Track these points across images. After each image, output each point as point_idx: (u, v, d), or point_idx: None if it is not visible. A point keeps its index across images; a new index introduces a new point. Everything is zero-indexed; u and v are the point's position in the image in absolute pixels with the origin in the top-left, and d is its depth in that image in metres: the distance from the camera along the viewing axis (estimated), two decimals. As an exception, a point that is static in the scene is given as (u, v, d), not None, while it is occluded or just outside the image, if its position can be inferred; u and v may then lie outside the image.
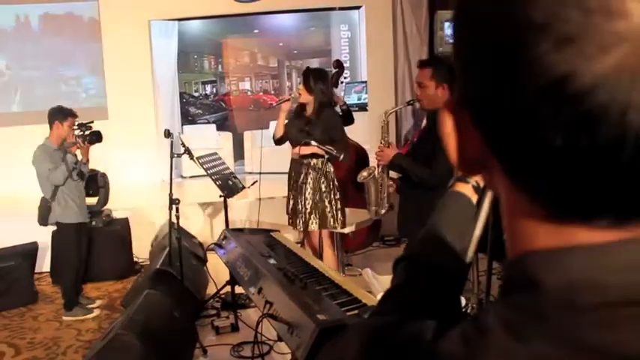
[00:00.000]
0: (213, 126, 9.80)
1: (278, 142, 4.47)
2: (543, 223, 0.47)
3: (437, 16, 1.08)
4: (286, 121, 4.42)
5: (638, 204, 0.43)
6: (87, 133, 4.67)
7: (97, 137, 4.68)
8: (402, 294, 0.82)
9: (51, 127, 4.67)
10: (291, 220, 4.48)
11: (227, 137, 9.21)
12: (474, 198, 0.93)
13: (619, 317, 0.42)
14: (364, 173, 3.73)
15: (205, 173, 4.60)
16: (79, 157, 4.71)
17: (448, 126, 0.52)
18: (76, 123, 4.68)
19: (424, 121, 3.60)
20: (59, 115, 4.64)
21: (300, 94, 4.29)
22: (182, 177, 8.45)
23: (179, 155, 4.46)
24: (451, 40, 1.06)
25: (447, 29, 0.94)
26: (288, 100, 4.34)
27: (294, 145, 4.30)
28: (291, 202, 4.45)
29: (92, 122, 4.76)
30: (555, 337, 0.43)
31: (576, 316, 0.43)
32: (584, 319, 0.43)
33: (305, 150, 4.17)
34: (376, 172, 3.65)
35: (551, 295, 0.44)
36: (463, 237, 0.90)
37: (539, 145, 0.42)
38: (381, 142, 3.61)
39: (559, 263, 0.45)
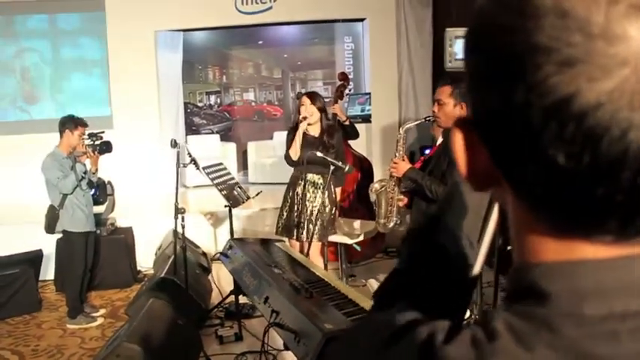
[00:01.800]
0: (217, 136, 9.84)
1: (294, 163, 4.49)
2: (549, 237, 0.49)
3: (447, 33, 1.11)
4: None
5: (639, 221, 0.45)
6: (97, 142, 4.69)
7: (107, 147, 4.71)
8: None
9: (61, 136, 4.71)
10: (285, 233, 4.55)
11: (231, 148, 9.24)
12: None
13: (623, 329, 0.45)
14: (376, 185, 3.75)
15: (209, 183, 4.64)
16: (88, 167, 4.74)
17: (459, 143, 0.54)
18: (87, 132, 4.71)
19: (439, 139, 3.61)
20: (70, 123, 4.68)
21: (312, 113, 4.39)
22: (185, 187, 8.47)
23: (185, 165, 4.49)
24: (460, 57, 1.09)
25: (457, 45, 0.96)
26: (306, 119, 4.37)
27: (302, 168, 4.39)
28: (284, 215, 4.54)
29: (103, 132, 4.79)
30: (562, 346, 0.45)
31: (583, 326, 0.46)
32: (591, 329, 0.45)
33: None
34: (389, 186, 3.67)
35: (559, 306, 0.47)
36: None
37: (543, 163, 0.45)
38: (395, 155, 3.62)
39: (566, 276, 0.48)
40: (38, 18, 8.62)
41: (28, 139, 7.88)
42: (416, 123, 4.04)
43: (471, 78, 0.51)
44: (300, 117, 4.40)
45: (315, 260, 4.19)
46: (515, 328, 0.47)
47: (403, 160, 3.57)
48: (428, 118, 3.72)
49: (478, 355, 0.46)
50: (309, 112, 4.38)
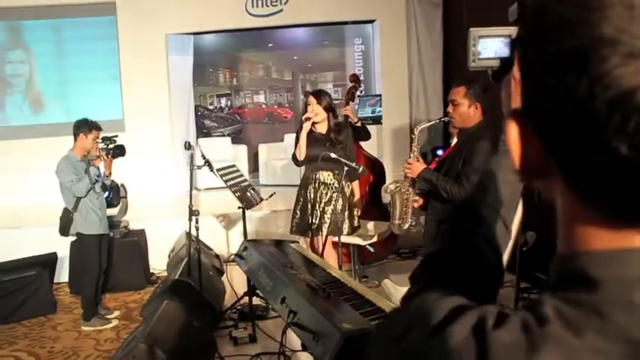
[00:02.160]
0: (228, 139, 9.87)
1: (300, 163, 4.51)
2: (600, 227, 0.50)
3: (470, 32, 1.11)
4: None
5: None
6: (110, 146, 4.73)
7: (120, 151, 4.75)
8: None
9: (75, 139, 4.74)
10: (299, 232, 4.58)
11: (242, 150, 9.27)
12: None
13: None
14: (391, 186, 3.74)
15: (220, 185, 4.66)
16: (102, 170, 4.77)
17: (513, 134, 0.54)
18: (101, 136, 4.75)
19: (454, 139, 3.61)
20: (84, 127, 4.71)
21: (317, 113, 4.39)
22: (197, 189, 8.49)
23: (199, 167, 4.51)
24: (484, 56, 1.09)
25: (481, 45, 0.96)
26: (309, 119, 4.37)
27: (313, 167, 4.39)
28: (298, 215, 4.54)
29: (116, 136, 4.81)
30: (611, 332, 0.46)
31: (633, 313, 0.46)
32: None
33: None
34: (403, 186, 3.66)
35: (609, 294, 0.47)
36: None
37: (604, 154, 0.45)
38: (409, 156, 3.62)
39: (617, 264, 0.48)
40: (50, 23, 8.69)
41: (42, 142, 7.96)
42: (430, 124, 4.04)
43: (526, 71, 0.51)
44: (304, 117, 4.42)
45: (330, 258, 4.18)
46: (564, 314, 0.47)
47: (418, 160, 3.56)
48: (442, 119, 3.71)
49: (529, 339, 0.47)
50: (315, 111, 4.39)
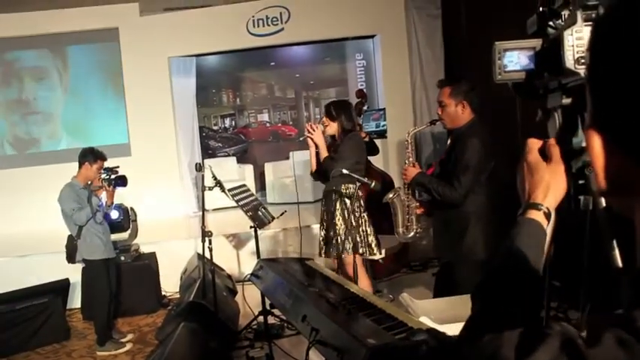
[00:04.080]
0: (234, 159, 9.90)
1: (315, 176, 4.48)
2: None
3: (495, 46, 1.13)
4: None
5: None
6: (112, 177, 4.77)
7: (122, 182, 4.80)
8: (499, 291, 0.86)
9: (80, 167, 4.79)
10: (323, 250, 4.47)
11: (248, 169, 9.29)
12: (545, 224, 0.96)
13: None
14: (390, 195, 3.76)
15: (230, 205, 4.67)
16: (104, 200, 4.80)
17: (596, 147, 0.53)
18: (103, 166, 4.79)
19: (449, 140, 3.63)
20: (90, 156, 4.76)
21: (326, 125, 4.36)
22: (205, 210, 8.50)
23: (211, 188, 4.52)
24: (510, 69, 1.11)
25: (506, 58, 0.97)
26: (310, 136, 4.30)
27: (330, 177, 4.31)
28: (323, 232, 4.45)
29: (118, 167, 4.85)
30: None
31: None
32: None
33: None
34: (402, 193, 3.67)
35: None
36: (537, 262, 0.93)
37: None
38: (405, 162, 3.64)
39: None
40: (53, 50, 8.78)
41: (52, 169, 7.98)
42: (422, 128, 4.04)
43: (600, 84, 0.51)
44: (305, 133, 4.34)
45: (362, 282, 4.13)
46: None
47: (413, 166, 3.58)
48: (434, 122, 3.73)
49: (628, 355, 0.47)
50: (322, 126, 4.36)
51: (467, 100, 3.39)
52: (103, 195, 4.80)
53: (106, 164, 4.85)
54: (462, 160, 3.29)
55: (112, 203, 4.93)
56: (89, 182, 4.75)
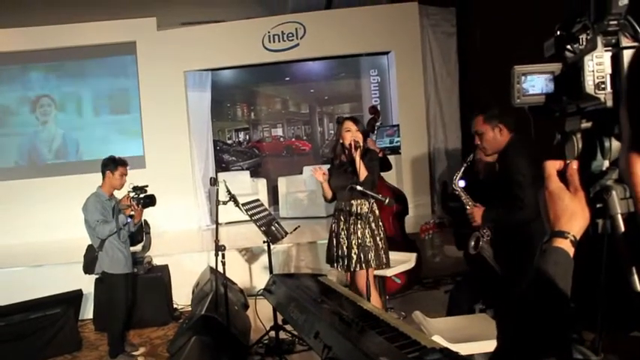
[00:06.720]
0: (247, 172, 9.94)
1: (331, 201, 4.46)
2: None
3: (514, 70, 1.14)
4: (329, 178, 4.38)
5: None
6: (142, 196, 4.78)
7: (150, 201, 4.80)
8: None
9: (103, 177, 4.81)
10: (335, 264, 4.43)
11: (261, 183, 9.33)
12: (572, 251, 0.97)
13: None
14: (472, 243, 3.61)
15: (243, 219, 4.66)
16: (130, 219, 4.81)
17: (638, 170, 0.54)
18: (132, 186, 4.79)
19: (482, 171, 3.56)
20: (111, 165, 4.79)
21: (359, 139, 4.23)
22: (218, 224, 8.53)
23: (225, 203, 4.54)
24: (531, 93, 1.11)
25: (526, 82, 0.98)
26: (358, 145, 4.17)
27: (344, 198, 4.25)
28: (335, 247, 4.43)
29: (147, 186, 4.85)
30: None
31: None
32: None
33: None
34: (482, 238, 3.55)
35: None
36: (564, 290, 0.94)
37: None
38: (467, 205, 3.56)
39: None
40: (72, 64, 8.90)
41: (66, 180, 8.09)
42: (462, 171, 3.87)
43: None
44: (352, 143, 4.17)
45: (362, 290, 4.08)
46: None
47: (475, 206, 3.51)
48: (469, 161, 3.67)
49: None
50: (358, 137, 4.20)
51: (502, 122, 3.36)
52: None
53: (128, 179, 4.87)
54: (515, 181, 3.21)
55: (139, 221, 4.94)
56: (116, 198, 4.76)
